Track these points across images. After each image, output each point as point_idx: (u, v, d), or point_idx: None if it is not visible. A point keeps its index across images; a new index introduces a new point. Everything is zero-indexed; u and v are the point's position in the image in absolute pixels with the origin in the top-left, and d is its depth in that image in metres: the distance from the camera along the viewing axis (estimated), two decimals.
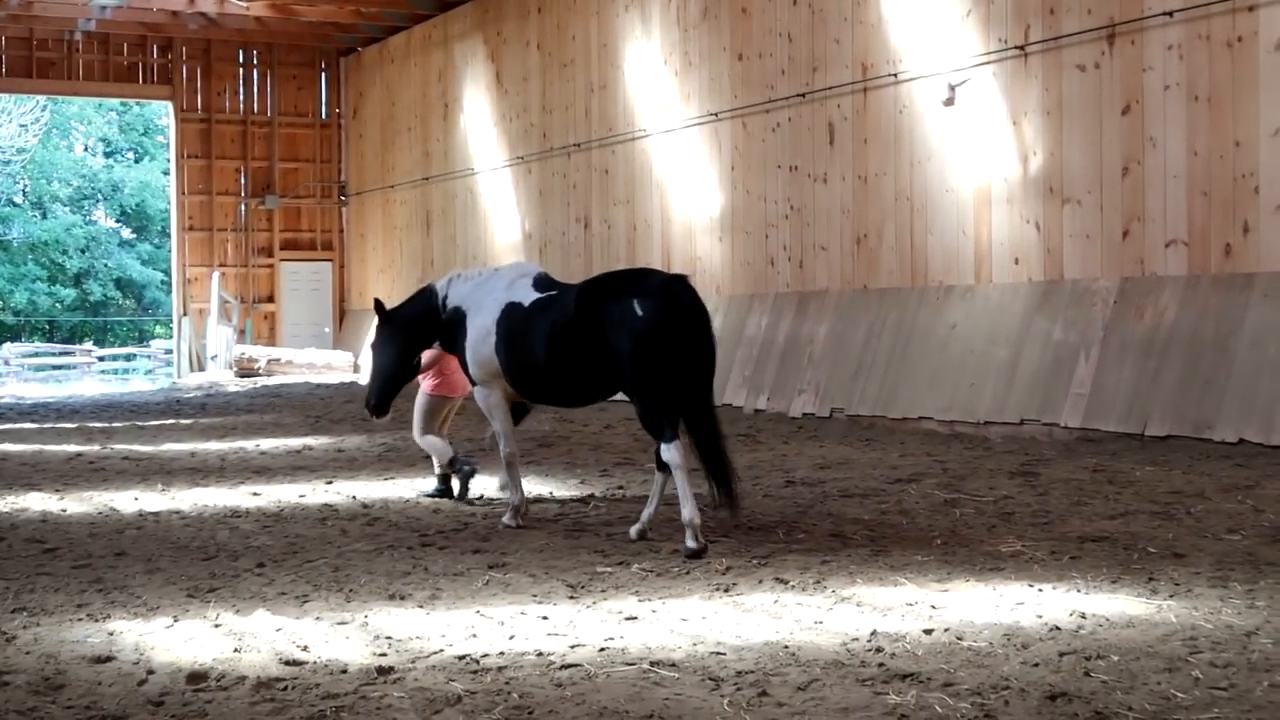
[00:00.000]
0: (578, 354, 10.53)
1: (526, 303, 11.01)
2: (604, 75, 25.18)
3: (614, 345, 10.21)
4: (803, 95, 20.39)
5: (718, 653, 6.87)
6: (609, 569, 9.15)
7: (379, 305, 11.98)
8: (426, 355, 12.36)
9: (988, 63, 17.49)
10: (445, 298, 11.67)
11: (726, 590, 8.37)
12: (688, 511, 9.75)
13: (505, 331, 11.00)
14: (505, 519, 11.22)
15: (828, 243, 20.09)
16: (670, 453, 9.98)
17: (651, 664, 6.68)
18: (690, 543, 9.66)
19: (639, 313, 10.07)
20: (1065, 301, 16.45)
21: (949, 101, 17.95)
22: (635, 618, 7.70)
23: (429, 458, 13.67)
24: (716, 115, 22.11)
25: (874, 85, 19.20)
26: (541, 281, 11.28)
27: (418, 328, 11.84)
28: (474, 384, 11.45)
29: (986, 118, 17.56)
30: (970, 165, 17.80)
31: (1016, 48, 17.09)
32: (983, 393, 16.94)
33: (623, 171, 24.69)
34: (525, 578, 8.90)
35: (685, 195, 23.02)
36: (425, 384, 13.09)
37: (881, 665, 6.55)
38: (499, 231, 28.94)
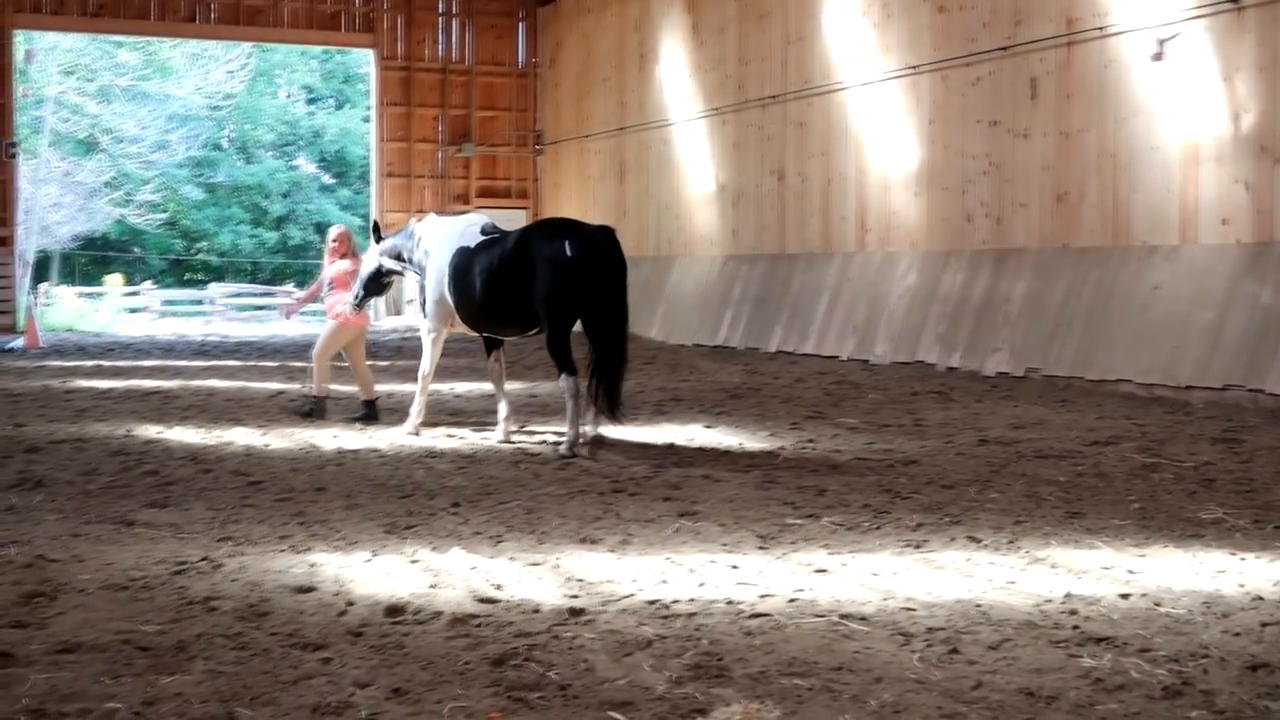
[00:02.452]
0: (512, 286, 12.47)
1: (473, 245, 13.01)
2: (801, 27, 24.96)
3: (539, 278, 12.19)
4: (1005, 49, 19.99)
5: (908, 608, 6.83)
6: (799, 521, 9.14)
7: (376, 227, 14.61)
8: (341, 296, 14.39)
9: (1199, 17, 16.96)
10: (420, 239, 13.76)
11: (918, 547, 8.31)
12: (572, 433, 12.21)
13: (454, 271, 13.02)
14: (406, 426, 13.59)
15: (1027, 200, 19.71)
16: (565, 382, 12.20)
17: (841, 617, 6.66)
18: (564, 449, 12.11)
19: (568, 253, 12.15)
20: (1275, 264, 15.94)
21: (1157, 57, 17.44)
22: (825, 570, 7.69)
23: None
24: (915, 68, 21.79)
25: (1079, 39, 18.75)
26: (488, 229, 13.25)
27: (398, 259, 14.05)
28: (424, 315, 13.61)
29: (1196, 74, 17.04)
30: (1178, 122, 17.30)
31: (1230, 1, 16.54)
32: (1185, 356, 16.51)
33: (819, 124, 24.48)
34: (715, 527, 8.93)
35: (881, 149, 22.77)
36: (346, 315, 14.50)
37: (1076, 628, 6.45)
38: (693, 183, 28.93)
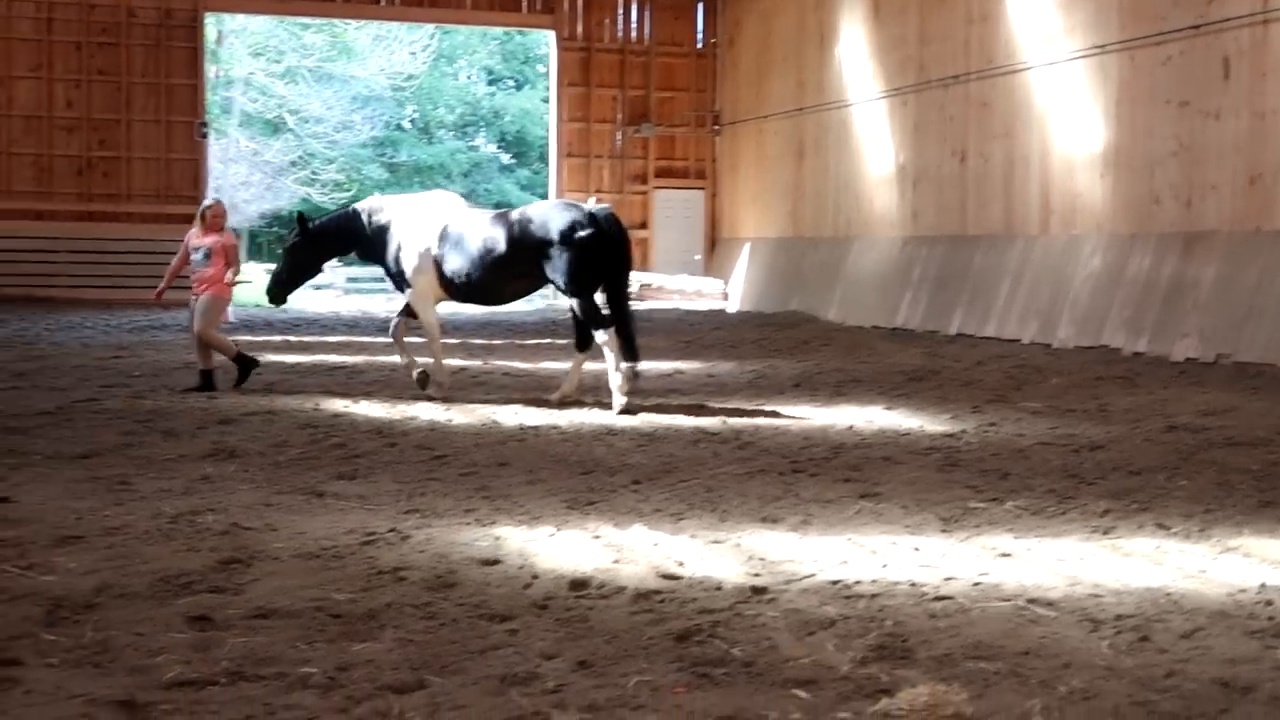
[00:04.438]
0: (519, 263, 13.90)
1: (465, 222, 14.26)
2: (985, 7, 24.58)
3: (554, 256, 13.72)
4: (1196, 27, 19.47)
5: (1095, 594, 6.72)
6: (982, 505, 9.04)
7: (301, 217, 15.16)
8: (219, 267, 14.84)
9: None
10: (370, 218, 14.69)
11: (1105, 533, 8.17)
12: (619, 378, 13.81)
13: (447, 245, 14.18)
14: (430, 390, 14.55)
15: (1218, 182, 19.20)
16: (602, 335, 13.85)
17: (1027, 601, 6.58)
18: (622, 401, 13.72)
19: (580, 233, 13.66)
20: None
21: None
22: (1009, 554, 7.60)
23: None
24: (1102, 48, 21.34)
25: (1275, 17, 18.20)
26: (472, 206, 14.78)
27: (337, 241, 15.06)
28: (404, 286, 14.61)
29: None
30: None
31: None
32: None
33: (1001, 105, 24.11)
34: (897, 508, 8.88)
35: (1066, 130, 22.35)
36: (220, 288, 14.93)
37: (1271, 619, 6.29)
38: (872, 164, 28.69)
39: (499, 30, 58.25)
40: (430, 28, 50.81)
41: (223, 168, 45.98)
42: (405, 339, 15.03)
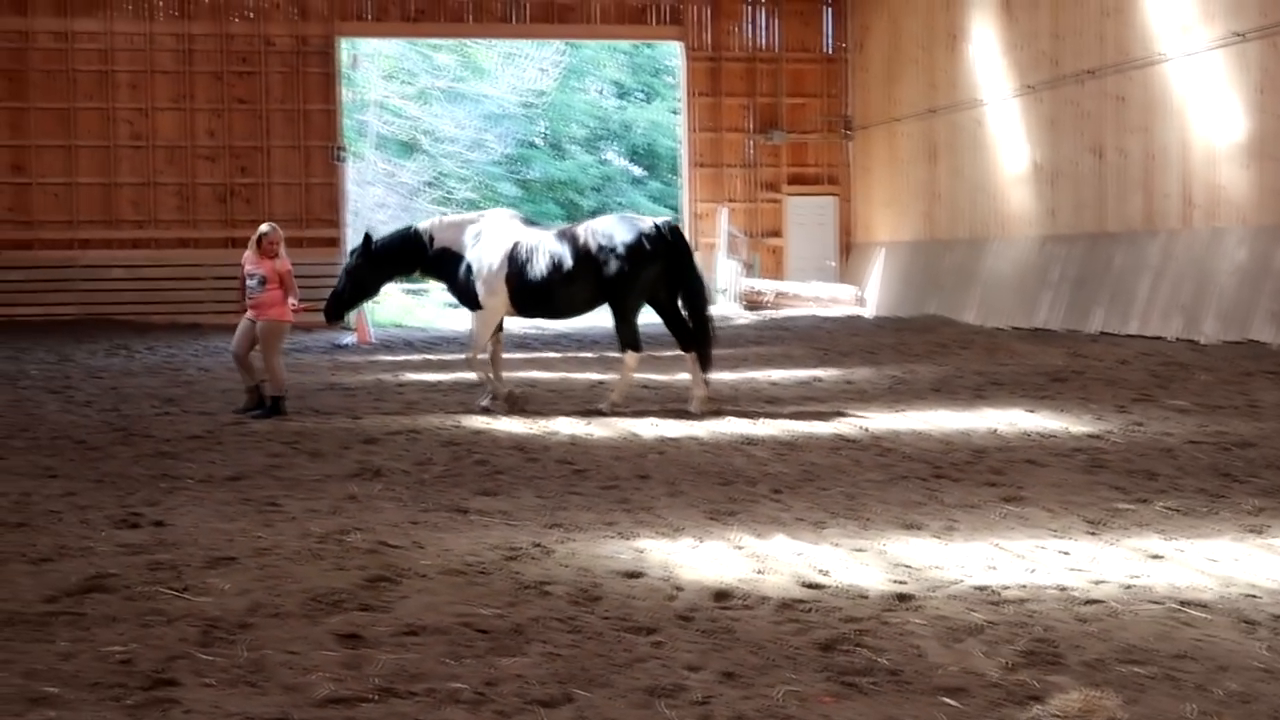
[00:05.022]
0: (587, 277, 14.28)
1: (535, 238, 14.58)
2: None
3: (618, 269, 14.17)
4: None
5: (1251, 595, 6.59)
6: (1130, 506, 8.90)
7: (368, 237, 15.17)
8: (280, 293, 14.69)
9: None
10: (432, 239, 14.90)
11: (1259, 532, 8.00)
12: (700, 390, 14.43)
13: (518, 264, 14.45)
14: (483, 402, 14.90)
15: None
16: (630, 356, 14.60)
17: (1180, 603, 6.47)
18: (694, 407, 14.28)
19: (648, 247, 14.18)
20: None
21: None
22: (1160, 556, 7.48)
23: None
24: (1243, 36, 20.90)
25: None
26: (532, 221, 15.34)
27: (399, 261, 15.20)
28: (476, 306, 14.80)
29: None
30: None
31: None
32: None
33: (1138, 98, 23.71)
34: (1042, 512, 8.77)
35: (1206, 121, 21.92)
36: (279, 312, 14.72)
37: None
38: (1006, 163, 28.36)
39: (627, 44, 58.51)
40: (559, 44, 51.10)
41: (359, 190, 46.65)
42: (498, 357, 15.44)
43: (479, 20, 35.96)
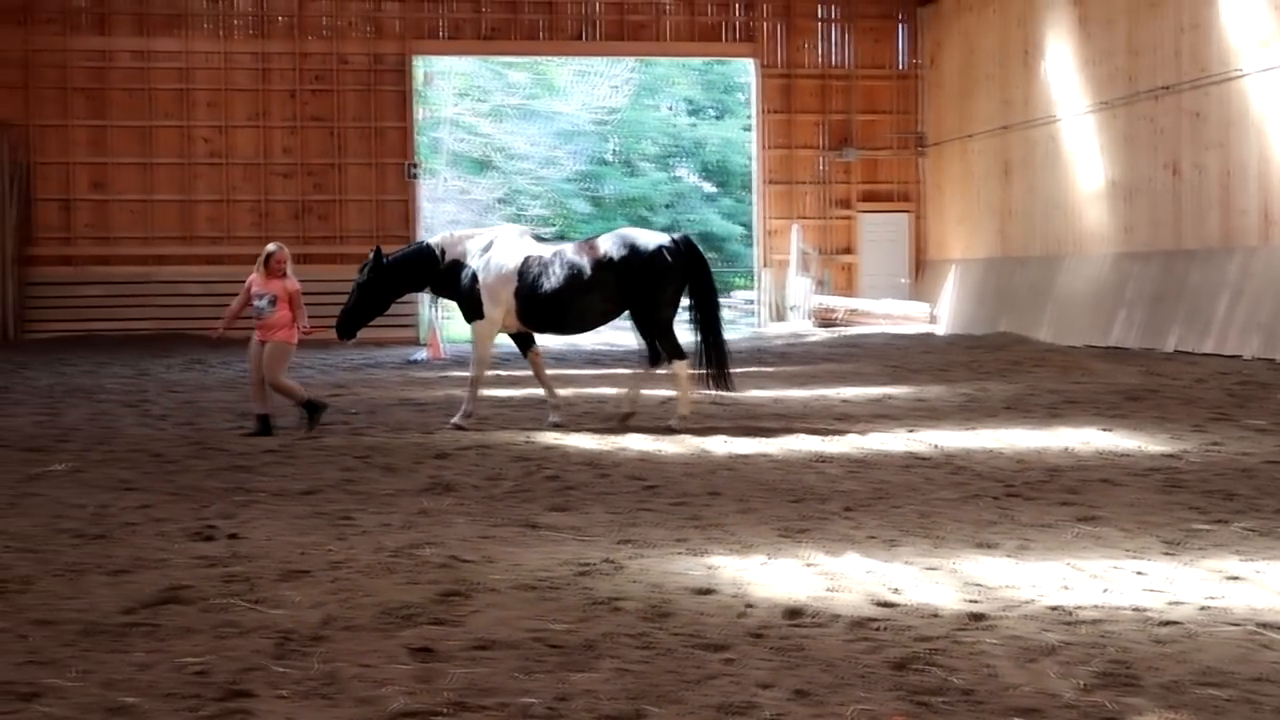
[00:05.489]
0: (603, 291, 14.43)
1: (546, 254, 14.67)
2: (1195, 14, 23.97)
3: (637, 282, 14.35)
4: None
5: None
6: (1207, 527, 8.79)
7: (379, 253, 15.15)
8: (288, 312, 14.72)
9: None
10: (444, 254, 14.88)
11: None
12: (683, 410, 14.71)
13: (530, 278, 14.53)
14: (455, 419, 14.76)
15: None
16: (680, 365, 14.64)
17: (1258, 625, 6.39)
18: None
19: (669, 259, 14.42)
20: None
21: None
22: (1238, 578, 7.38)
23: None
24: None
25: None
26: (539, 237, 15.45)
27: (410, 277, 15.17)
28: (473, 320, 14.85)
29: None
30: None
31: None
32: None
33: (1216, 114, 23.46)
34: (1117, 532, 8.68)
35: None
36: (288, 334, 14.73)
37: None
38: (1081, 180, 28.14)
39: (698, 61, 58.57)
40: (631, 62, 51.22)
41: (431, 207, 46.94)
42: (545, 373, 15.51)
43: (552, 38, 36.11)
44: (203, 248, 33.78)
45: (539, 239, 15.43)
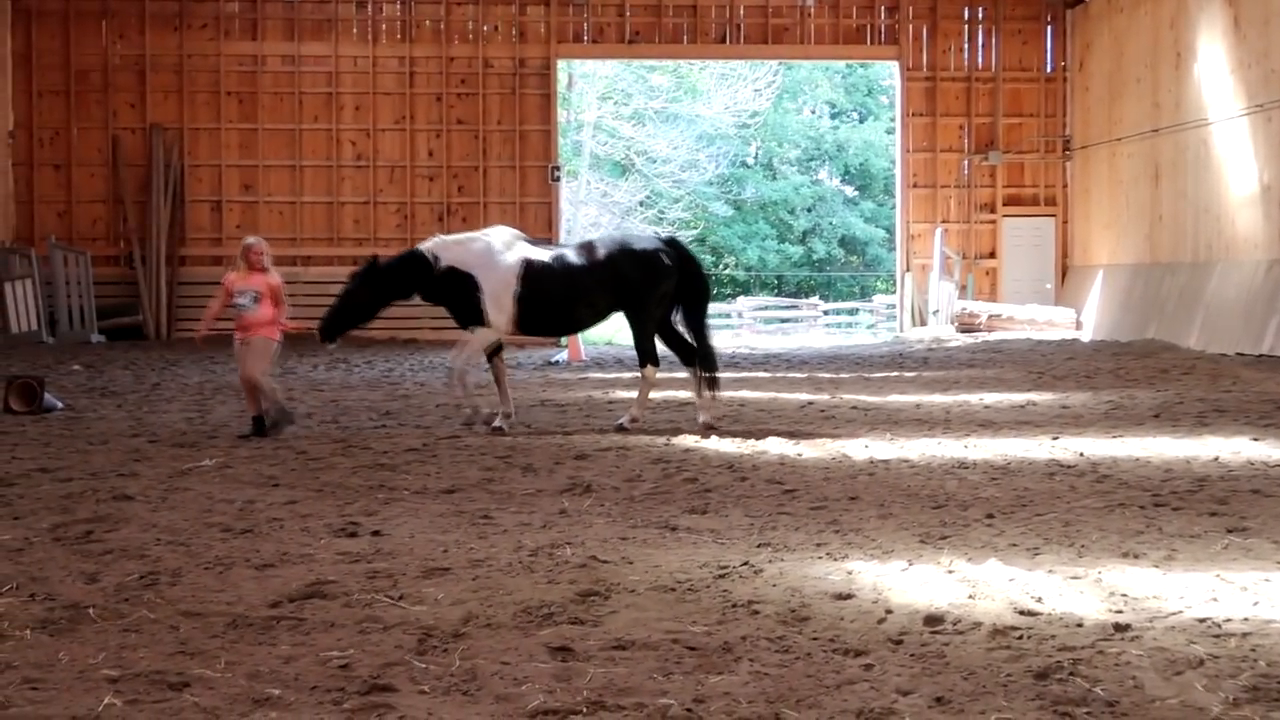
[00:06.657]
0: (602, 293, 14.64)
1: (545, 257, 14.77)
2: None
3: (633, 285, 14.57)
4: None
5: None
6: None
7: (374, 260, 15.13)
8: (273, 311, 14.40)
9: None
10: (436, 259, 14.72)
11: None
12: (636, 411, 15.15)
13: (530, 282, 14.55)
14: (497, 422, 14.74)
15: None
16: (650, 370, 15.01)
17: None
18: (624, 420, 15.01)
19: (666, 261, 14.65)
20: None
21: None
22: None
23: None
24: None
25: None
26: (534, 241, 15.46)
27: (401, 283, 14.97)
28: (476, 325, 14.68)
29: None
30: None
31: None
32: None
33: None
34: (1268, 544, 8.49)
35: None
36: (271, 331, 14.41)
37: None
38: (1233, 185, 27.53)
39: (841, 64, 58.29)
40: (773, 64, 51.13)
41: (573, 209, 47.26)
42: (505, 380, 15.23)
43: (695, 42, 36.15)
44: (348, 249, 34.27)
45: (533, 241, 15.49)
